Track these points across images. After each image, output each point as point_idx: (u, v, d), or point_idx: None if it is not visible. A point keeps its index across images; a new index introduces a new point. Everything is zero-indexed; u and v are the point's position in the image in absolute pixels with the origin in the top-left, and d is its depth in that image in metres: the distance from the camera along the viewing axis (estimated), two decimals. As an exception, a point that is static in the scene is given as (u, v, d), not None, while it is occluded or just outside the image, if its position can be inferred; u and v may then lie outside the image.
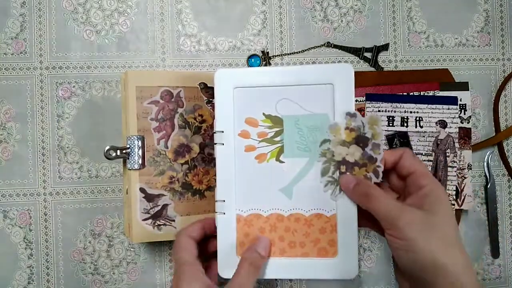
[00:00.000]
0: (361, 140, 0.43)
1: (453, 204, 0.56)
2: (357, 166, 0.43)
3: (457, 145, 0.57)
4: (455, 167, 0.56)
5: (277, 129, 0.44)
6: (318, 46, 0.61)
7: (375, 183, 0.43)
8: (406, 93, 0.58)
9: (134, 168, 0.50)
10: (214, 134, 0.44)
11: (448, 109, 0.57)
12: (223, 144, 0.44)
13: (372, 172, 0.43)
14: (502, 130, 0.62)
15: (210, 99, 0.54)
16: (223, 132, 0.44)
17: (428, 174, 0.40)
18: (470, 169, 0.59)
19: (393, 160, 0.42)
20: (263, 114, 0.44)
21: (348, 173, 0.43)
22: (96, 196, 0.58)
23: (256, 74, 0.44)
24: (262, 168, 0.44)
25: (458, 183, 0.57)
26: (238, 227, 0.44)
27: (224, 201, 0.44)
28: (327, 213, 0.43)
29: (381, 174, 0.43)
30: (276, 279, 0.60)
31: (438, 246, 0.36)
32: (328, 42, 0.61)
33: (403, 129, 0.57)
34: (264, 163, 0.44)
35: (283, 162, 0.44)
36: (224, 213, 0.44)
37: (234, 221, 0.44)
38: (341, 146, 0.43)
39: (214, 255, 0.45)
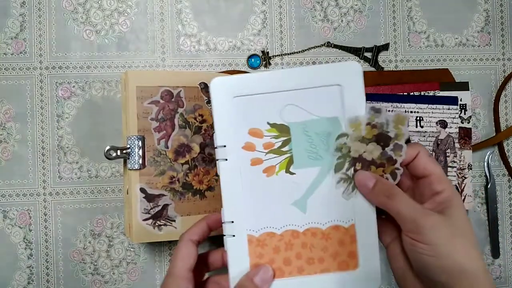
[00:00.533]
0: (382, 139, 0.40)
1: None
2: (374, 165, 0.40)
3: (457, 145, 0.56)
4: (455, 167, 0.56)
5: (284, 138, 0.41)
6: (318, 46, 0.61)
7: None
8: (406, 93, 0.58)
9: (134, 168, 0.50)
10: (216, 150, 0.41)
11: (449, 109, 0.57)
12: (226, 159, 0.40)
13: (389, 173, 0.40)
14: (502, 130, 0.62)
15: (210, 99, 0.54)
16: (225, 146, 0.40)
17: (445, 179, 0.38)
18: (471, 169, 0.58)
19: (409, 157, 0.39)
20: (268, 123, 0.40)
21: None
22: (96, 196, 0.58)
23: (256, 80, 0.40)
24: (272, 182, 0.41)
25: (458, 183, 0.57)
26: (250, 248, 0.40)
27: (232, 222, 0.40)
28: (345, 224, 0.40)
29: (399, 178, 0.40)
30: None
31: (462, 252, 0.36)
32: (328, 42, 0.61)
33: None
34: (273, 177, 0.41)
35: (293, 173, 0.40)
36: (234, 235, 0.40)
37: (246, 243, 0.40)
38: (359, 143, 0.40)
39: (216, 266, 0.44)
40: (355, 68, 0.39)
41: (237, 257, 0.40)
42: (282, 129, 0.41)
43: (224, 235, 0.40)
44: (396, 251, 0.40)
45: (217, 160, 0.41)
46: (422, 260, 0.36)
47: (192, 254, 0.41)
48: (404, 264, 0.39)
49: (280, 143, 0.41)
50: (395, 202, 0.37)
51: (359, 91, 0.40)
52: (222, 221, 0.41)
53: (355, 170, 0.40)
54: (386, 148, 0.40)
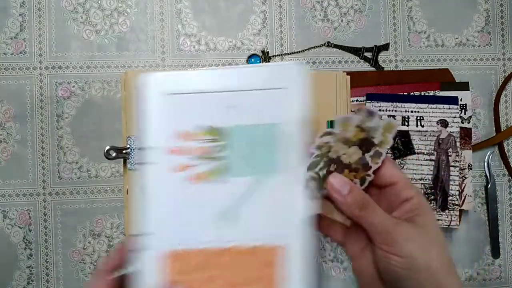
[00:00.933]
0: (365, 144, 0.38)
1: (457, 205, 0.56)
2: (348, 169, 0.38)
3: (458, 144, 0.56)
4: (458, 166, 0.56)
5: (220, 143, 0.37)
6: (318, 46, 0.61)
7: None
8: (406, 93, 0.58)
9: (134, 168, 0.50)
10: (139, 151, 0.37)
11: (449, 108, 0.57)
12: (150, 163, 0.36)
13: (359, 179, 0.38)
14: (502, 130, 0.62)
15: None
16: (150, 148, 0.36)
17: (411, 186, 0.36)
18: (471, 169, 0.58)
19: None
20: (202, 125, 0.36)
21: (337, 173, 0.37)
22: (95, 196, 0.58)
23: (192, 78, 0.36)
24: (201, 191, 0.36)
25: (459, 183, 0.57)
26: (170, 263, 0.36)
27: (152, 233, 0.35)
28: (278, 243, 0.36)
29: (366, 184, 0.38)
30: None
31: (437, 263, 0.34)
32: (328, 42, 0.61)
33: (404, 128, 0.57)
34: (202, 184, 0.36)
35: (226, 182, 0.36)
36: (151, 249, 0.35)
37: (164, 258, 0.36)
38: (342, 144, 0.38)
39: None
40: (299, 70, 0.36)
41: (152, 273, 0.35)
42: (219, 133, 0.37)
43: (140, 249, 0.36)
44: (364, 263, 0.37)
45: (139, 163, 0.36)
46: (396, 273, 0.34)
47: None
48: (373, 276, 0.37)
49: (214, 148, 0.36)
50: (368, 213, 0.35)
51: (303, 95, 0.36)
52: (137, 233, 0.36)
53: (328, 172, 0.38)
54: (366, 154, 0.39)
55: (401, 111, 0.57)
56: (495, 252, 0.61)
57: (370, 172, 0.38)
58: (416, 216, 0.35)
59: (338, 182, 0.36)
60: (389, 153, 0.56)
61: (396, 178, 0.37)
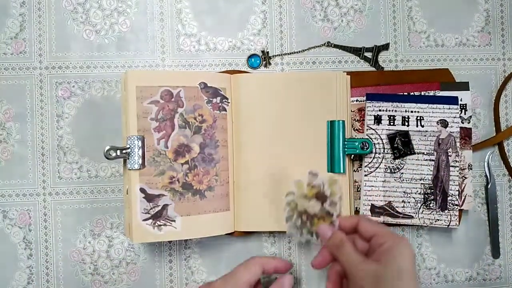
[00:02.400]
0: (320, 197, 0.50)
1: (457, 205, 0.56)
2: (316, 217, 0.50)
3: (458, 144, 0.56)
4: (458, 166, 0.56)
5: None
6: (318, 46, 0.61)
7: None
8: (406, 93, 0.58)
9: (134, 168, 0.50)
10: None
11: (449, 108, 0.56)
12: None
13: (328, 224, 0.49)
14: (502, 130, 0.62)
15: (210, 99, 0.54)
16: None
17: (388, 234, 0.45)
18: (471, 169, 0.58)
19: (349, 225, 0.48)
20: None
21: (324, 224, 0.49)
22: (95, 196, 0.58)
23: None
24: None
25: (458, 183, 0.57)
26: None
27: None
28: None
29: (336, 228, 0.49)
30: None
31: None
32: (328, 42, 0.61)
33: (404, 128, 0.57)
34: None
35: None
36: None
37: None
38: (303, 199, 0.50)
39: None
40: None
41: None
42: None
43: None
44: None
45: None
46: None
47: (257, 277, 0.50)
48: None
49: None
50: (340, 253, 0.46)
51: None
52: None
53: (302, 222, 0.50)
54: (324, 204, 0.50)
55: (401, 111, 0.57)
56: (495, 252, 0.61)
57: (334, 217, 0.49)
58: (382, 257, 0.43)
59: (323, 229, 0.49)
60: (388, 156, 0.56)
61: (374, 231, 0.46)
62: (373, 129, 0.57)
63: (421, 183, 0.56)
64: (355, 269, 0.44)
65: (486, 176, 0.62)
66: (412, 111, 0.57)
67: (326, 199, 0.50)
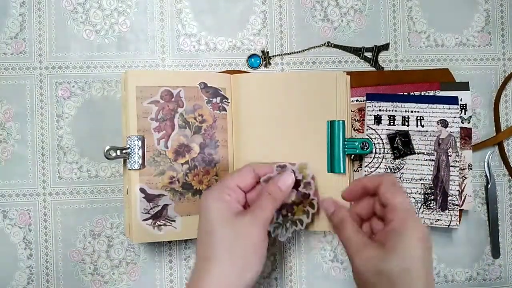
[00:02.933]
0: (294, 185, 0.49)
1: (457, 205, 0.56)
2: (295, 205, 0.50)
3: (458, 144, 0.56)
4: (458, 166, 0.56)
5: None
6: (318, 46, 0.61)
7: (312, 213, 0.50)
8: (406, 93, 0.58)
9: (134, 168, 0.50)
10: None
11: (449, 108, 0.56)
12: None
13: (308, 205, 0.50)
14: (502, 130, 0.62)
15: (210, 99, 0.54)
16: None
17: (397, 209, 0.39)
18: (471, 169, 0.58)
19: (371, 186, 0.43)
20: None
21: (329, 197, 0.46)
22: (95, 196, 0.58)
23: None
24: None
25: (459, 183, 0.57)
26: None
27: None
28: None
29: (316, 205, 0.50)
30: (275, 279, 0.60)
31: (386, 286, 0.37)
32: (328, 42, 0.61)
33: (404, 128, 0.56)
34: None
35: None
36: None
37: None
38: None
39: None
40: None
41: None
42: None
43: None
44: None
45: None
46: (356, 280, 0.40)
47: (249, 181, 0.47)
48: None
49: None
50: (340, 232, 0.42)
51: None
52: None
53: (283, 215, 0.50)
54: (299, 188, 0.50)
55: (401, 111, 0.57)
56: (495, 252, 0.61)
57: (311, 196, 0.50)
58: (388, 240, 0.38)
59: (327, 203, 0.45)
60: (388, 156, 0.56)
61: (387, 200, 0.40)
62: (373, 129, 0.57)
63: (421, 183, 0.56)
64: (356, 256, 0.39)
65: (486, 176, 0.62)
66: (412, 111, 0.57)
67: (300, 183, 0.50)
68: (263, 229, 0.44)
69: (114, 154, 0.50)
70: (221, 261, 0.41)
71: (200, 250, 0.43)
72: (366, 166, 0.57)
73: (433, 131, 0.56)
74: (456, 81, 0.60)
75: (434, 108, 0.57)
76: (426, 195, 0.56)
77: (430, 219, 0.56)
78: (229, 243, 0.41)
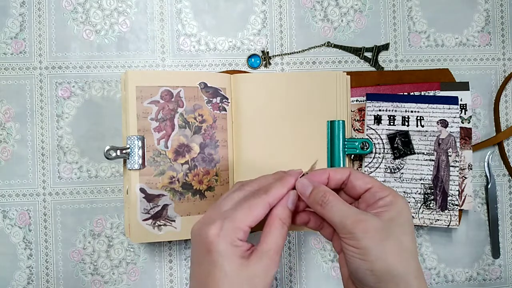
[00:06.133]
0: None
1: (457, 205, 0.56)
2: None
3: (458, 144, 0.56)
4: (458, 166, 0.56)
5: None
6: (318, 46, 0.61)
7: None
8: (406, 93, 0.58)
9: (134, 168, 0.50)
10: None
11: (449, 108, 0.56)
12: None
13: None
14: (502, 130, 0.62)
15: (210, 99, 0.54)
16: None
17: (386, 187, 0.39)
18: (471, 169, 0.58)
19: (339, 178, 0.40)
20: None
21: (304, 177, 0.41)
22: (95, 196, 0.58)
23: None
24: None
25: (458, 183, 0.57)
26: None
27: None
28: None
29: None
30: (275, 279, 0.60)
31: (393, 255, 0.35)
32: (328, 42, 0.61)
33: (404, 128, 0.57)
34: None
35: None
36: None
37: None
38: None
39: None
40: None
41: None
42: None
43: None
44: (342, 258, 0.40)
45: None
46: (354, 263, 0.36)
47: (261, 217, 0.39)
48: (347, 271, 0.39)
49: None
50: (326, 210, 0.38)
51: None
52: None
53: None
54: None
55: (401, 111, 0.57)
56: (495, 252, 0.61)
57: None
58: (384, 212, 0.37)
59: (302, 185, 0.40)
60: (388, 156, 0.56)
61: (369, 184, 0.39)
62: (373, 129, 0.57)
63: (421, 183, 0.56)
64: (353, 222, 0.36)
65: (486, 176, 0.62)
66: (412, 111, 0.57)
67: None
68: (276, 268, 0.39)
69: (114, 154, 0.50)
70: None
71: None
72: (366, 166, 0.57)
73: (433, 131, 0.56)
74: (456, 81, 0.60)
75: (434, 108, 0.57)
76: (426, 195, 0.56)
77: (430, 219, 0.56)
78: None
